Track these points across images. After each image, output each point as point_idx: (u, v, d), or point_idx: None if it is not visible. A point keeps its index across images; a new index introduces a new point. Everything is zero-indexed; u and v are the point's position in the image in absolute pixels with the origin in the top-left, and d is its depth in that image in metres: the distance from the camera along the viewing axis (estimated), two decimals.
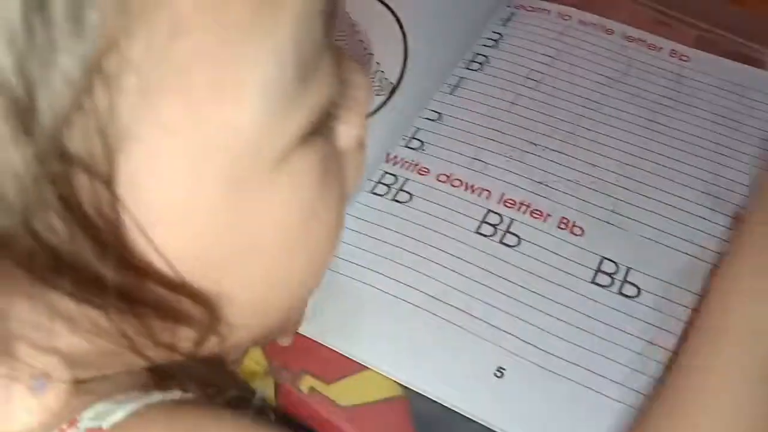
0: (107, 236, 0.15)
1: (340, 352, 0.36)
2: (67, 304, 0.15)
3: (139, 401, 0.22)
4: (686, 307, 0.37)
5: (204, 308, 0.17)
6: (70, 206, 0.14)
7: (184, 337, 0.18)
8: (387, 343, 0.36)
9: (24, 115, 0.13)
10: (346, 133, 0.21)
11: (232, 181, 0.16)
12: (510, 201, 0.42)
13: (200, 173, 0.16)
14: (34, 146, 0.13)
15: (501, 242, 0.40)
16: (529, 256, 0.40)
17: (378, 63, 0.46)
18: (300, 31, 0.16)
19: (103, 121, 0.14)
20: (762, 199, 0.34)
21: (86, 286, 0.15)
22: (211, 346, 0.19)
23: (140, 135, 0.14)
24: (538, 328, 0.37)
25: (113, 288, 0.15)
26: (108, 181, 0.14)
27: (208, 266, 0.17)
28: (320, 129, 0.18)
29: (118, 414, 0.21)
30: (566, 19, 0.52)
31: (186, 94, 0.15)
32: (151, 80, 0.14)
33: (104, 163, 0.14)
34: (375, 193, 0.43)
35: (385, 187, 0.43)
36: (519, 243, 0.40)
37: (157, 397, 0.22)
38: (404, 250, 0.40)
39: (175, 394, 0.23)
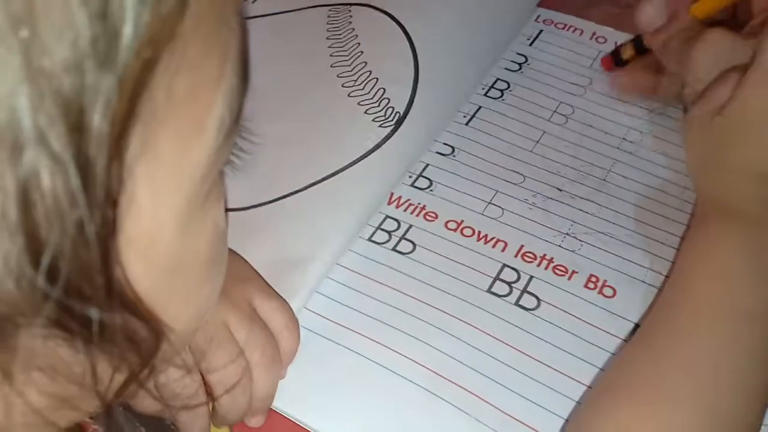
0: (96, 263, 0.15)
1: None
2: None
3: None
4: None
5: (153, 334, 0.18)
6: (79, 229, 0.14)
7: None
8: (378, 428, 0.31)
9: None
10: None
11: (185, 210, 0.18)
12: (529, 255, 0.36)
13: (168, 203, 0.17)
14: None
15: (517, 304, 0.35)
16: (549, 322, 0.34)
17: (383, 89, 0.41)
18: (237, 79, 0.18)
19: (124, 145, 0.15)
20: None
21: (68, 316, 0.15)
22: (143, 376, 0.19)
23: (141, 164, 0.16)
24: (559, 416, 0.31)
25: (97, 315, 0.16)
26: (114, 208, 0.15)
27: (159, 294, 0.18)
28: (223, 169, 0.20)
29: None
30: (601, 42, 0.46)
31: (178, 128, 0.16)
32: (158, 110, 0.15)
33: (116, 189, 0.15)
34: (373, 241, 0.37)
35: (386, 234, 0.37)
36: (538, 305, 0.34)
37: None
38: (402, 312, 0.34)
39: None
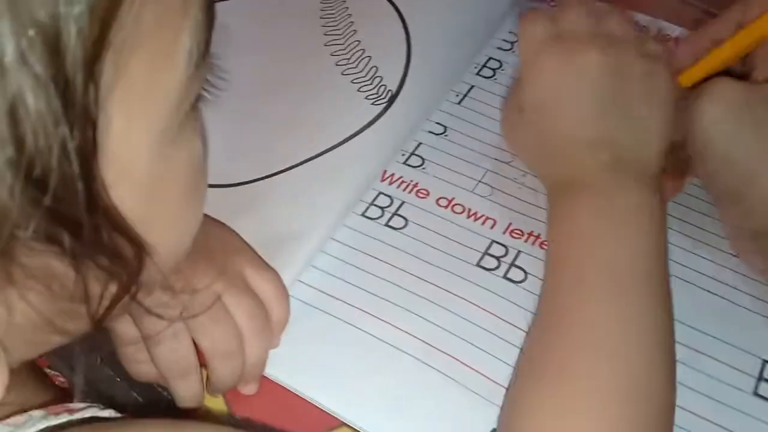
0: (78, 177, 0.17)
1: (315, 403, 0.32)
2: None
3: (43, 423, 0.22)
4: None
5: (137, 254, 0.20)
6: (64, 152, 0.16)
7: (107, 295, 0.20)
8: (370, 397, 0.32)
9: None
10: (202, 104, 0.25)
11: (161, 134, 0.19)
12: (517, 231, 0.37)
13: (143, 126, 0.19)
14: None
15: (505, 277, 0.36)
16: (535, 294, 0.35)
17: (376, 67, 0.41)
18: (201, 14, 0.19)
19: (100, 74, 0.17)
20: None
21: (58, 227, 0.17)
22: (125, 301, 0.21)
23: (116, 90, 0.17)
24: None
25: (86, 228, 0.17)
26: (94, 128, 0.17)
27: (141, 218, 0.20)
28: (197, 103, 0.22)
29: None
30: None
31: (149, 56, 0.18)
32: (128, 38, 0.17)
33: (94, 111, 0.17)
34: (367, 216, 0.38)
35: (379, 210, 0.38)
36: (525, 278, 0.36)
37: (64, 417, 0.23)
38: (394, 284, 0.35)
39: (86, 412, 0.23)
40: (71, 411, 0.23)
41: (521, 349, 0.32)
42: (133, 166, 0.19)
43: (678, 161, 0.34)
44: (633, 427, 0.27)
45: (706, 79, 0.33)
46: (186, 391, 0.31)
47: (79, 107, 0.16)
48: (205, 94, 0.22)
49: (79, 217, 0.17)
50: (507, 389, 0.31)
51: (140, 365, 0.31)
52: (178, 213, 0.23)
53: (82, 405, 0.23)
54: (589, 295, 0.30)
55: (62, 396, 0.25)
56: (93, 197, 0.18)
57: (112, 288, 0.20)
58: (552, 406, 0.28)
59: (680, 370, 0.32)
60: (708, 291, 0.35)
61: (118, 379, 0.32)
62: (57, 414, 0.22)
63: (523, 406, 0.29)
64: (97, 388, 0.32)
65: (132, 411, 0.25)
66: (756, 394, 0.32)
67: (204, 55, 0.20)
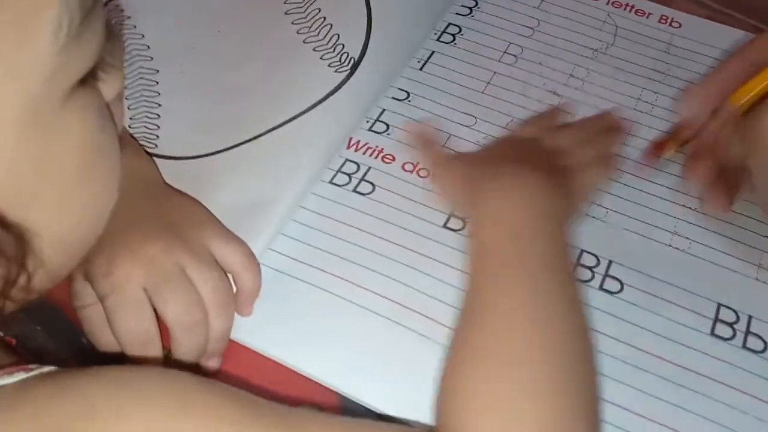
0: None
1: (290, 367, 0.32)
2: None
3: None
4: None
5: (14, 238, 0.19)
6: None
7: None
8: (346, 359, 0.32)
9: None
10: (109, 86, 0.24)
11: (31, 114, 0.19)
12: None
13: (6, 101, 0.18)
14: None
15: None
16: None
17: (338, 35, 0.41)
18: None
19: None
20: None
21: None
22: (19, 289, 0.21)
23: None
24: None
25: None
26: None
27: (15, 197, 0.19)
28: (92, 76, 0.21)
29: None
30: None
31: (12, 22, 0.17)
32: None
33: None
34: (334, 183, 0.38)
35: (346, 177, 0.39)
36: None
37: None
38: (364, 248, 0.36)
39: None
40: (27, 370, 0.23)
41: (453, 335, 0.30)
42: None
43: (730, 178, 0.34)
44: (566, 414, 0.26)
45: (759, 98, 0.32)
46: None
47: None
48: (105, 74, 0.22)
49: None
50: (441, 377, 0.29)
51: (102, 335, 0.31)
52: (65, 195, 0.22)
53: (40, 365, 0.23)
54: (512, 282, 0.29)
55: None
56: None
57: None
58: (487, 391, 0.26)
59: (642, 316, 0.34)
60: (668, 245, 0.37)
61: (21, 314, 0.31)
62: (11, 374, 0.22)
63: (460, 392, 0.27)
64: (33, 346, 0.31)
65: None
66: (713, 334, 0.34)
67: (81, 25, 0.19)
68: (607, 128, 0.38)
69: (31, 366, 0.23)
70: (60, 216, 0.22)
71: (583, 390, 0.27)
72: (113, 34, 0.22)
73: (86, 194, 0.23)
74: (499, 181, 0.33)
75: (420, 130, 0.39)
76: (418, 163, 0.39)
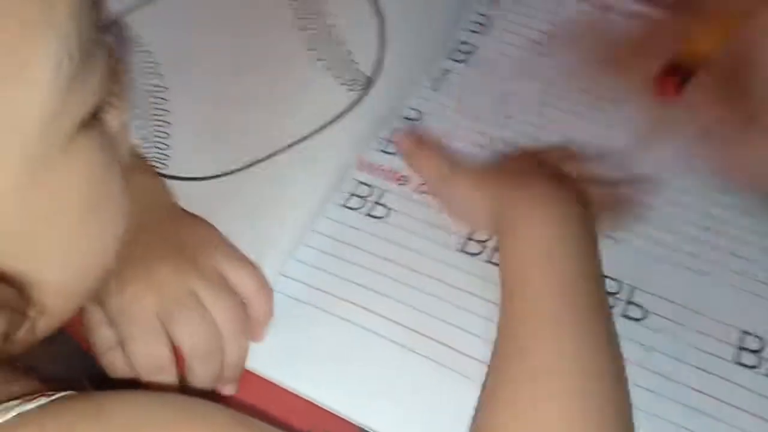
0: None
1: (302, 396, 0.32)
2: None
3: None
4: None
5: (15, 288, 0.19)
6: None
7: None
8: (358, 386, 0.32)
9: None
10: (115, 118, 0.23)
11: (29, 161, 0.18)
12: None
13: (2, 151, 0.17)
14: None
15: (489, 262, 0.36)
16: None
17: (350, 52, 0.41)
18: (78, 21, 0.18)
19: None
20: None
21: None
22: (23, 334, 0.20)
23: None
24: None
25: None
26: None
27: (15, 245, 0.19)
28: (97, 115, 0.20)
29: None
30: None
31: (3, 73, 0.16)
32: None
33: None
34: (348, 207, 0.37)
35: (360, 200, 0.38)
36: None
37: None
38: (379, 274, 0.35)
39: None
40: (48, 396, 0.22)
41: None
42: None
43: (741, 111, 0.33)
44: None
45: None
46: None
47: None
48: (110, 108, 0.21)
49: None
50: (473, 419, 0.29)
51: (115, 360, 0.31)
52: (68, 243, 0.21)
53: (58, 392, 0.23)
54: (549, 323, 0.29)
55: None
56: None
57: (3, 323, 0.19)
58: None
59: (664, 342, 0.33)
60: (689, 269, 0.36)
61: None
62: (32, 400, 0.22)
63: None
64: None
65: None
66: (738, 362, 0.33)
67: (86, 66, 0.18)
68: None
69: (53, 393, 0.22)
70: (63, 264, 0.21)
71: (623, 422, 0.27)
72: (118, 67, 0.21)
73: (90, 238, 0.22)
74: (531, 191, 0.32)
75: (408, 138, 0.37)
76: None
